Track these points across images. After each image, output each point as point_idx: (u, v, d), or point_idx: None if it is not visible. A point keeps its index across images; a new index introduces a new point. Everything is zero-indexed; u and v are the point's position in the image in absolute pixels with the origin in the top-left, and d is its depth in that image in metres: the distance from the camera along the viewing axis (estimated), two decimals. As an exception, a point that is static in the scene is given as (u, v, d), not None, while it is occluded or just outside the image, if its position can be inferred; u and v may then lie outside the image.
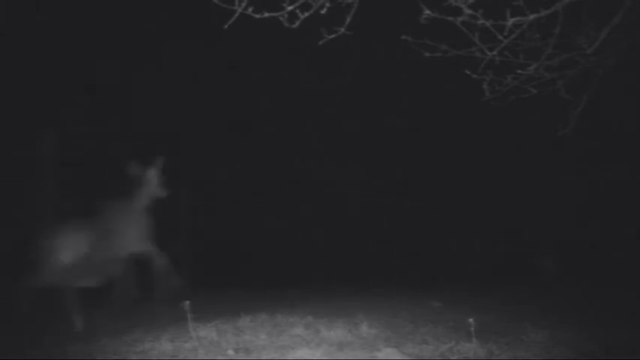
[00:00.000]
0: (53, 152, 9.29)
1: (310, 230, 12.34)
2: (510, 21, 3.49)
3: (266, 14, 3.32)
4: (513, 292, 7.73)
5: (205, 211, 11.04)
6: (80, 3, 8.28)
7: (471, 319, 4.08)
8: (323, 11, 3.40)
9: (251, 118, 11.38)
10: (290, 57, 10.36)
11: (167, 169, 5.81)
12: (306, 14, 3.35)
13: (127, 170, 5.48)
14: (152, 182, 5.50)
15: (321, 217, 12.70)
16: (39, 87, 8.82)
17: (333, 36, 3.47)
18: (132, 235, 5.36)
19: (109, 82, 9.49)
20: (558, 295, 7.45)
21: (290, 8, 3.31)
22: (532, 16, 3.52)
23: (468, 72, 4.01)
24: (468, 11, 3.42)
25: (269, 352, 4.08)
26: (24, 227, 9.32)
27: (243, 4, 3.24)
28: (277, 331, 4.75)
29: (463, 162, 11.96)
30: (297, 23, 3.36)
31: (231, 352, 4.07)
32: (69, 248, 5.36)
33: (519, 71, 4.07)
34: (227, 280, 7.98)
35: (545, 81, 4.30)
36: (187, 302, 4.60)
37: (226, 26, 3.26)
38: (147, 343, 4.35)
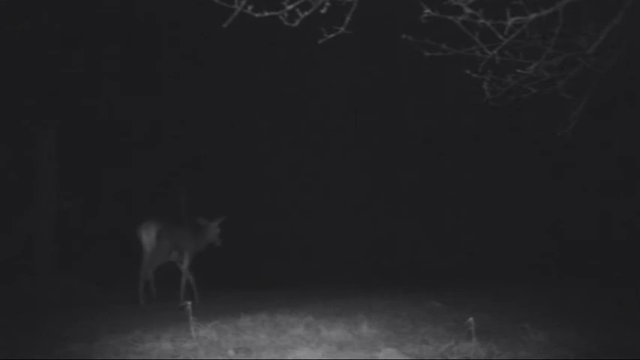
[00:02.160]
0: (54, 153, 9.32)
1: (310, 231, 12.34)
2: (510, 20, 3.48)
3: (266, 13, 3.31)
4: (513, 292, 7.71)
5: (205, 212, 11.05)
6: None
7: (470, 319, 4.07)
8: (323, 10, 3.39)
9: (251, 115, 11.40)
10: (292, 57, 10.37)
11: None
12: (306, 13, 3.34)
13: None
14: None
15: (321, 218, 12.69)
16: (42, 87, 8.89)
17: (332, 35, 3.46)
18: None
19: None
20: (558, 295, 7.44)
21: (290, 7, 3.30)
22: (532, 16, 3.51)
23: (468, 71, 4.00)
24: (469, 10, 3.40)
25: (269, 352, 4.07)
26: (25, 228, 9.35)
27: (243, 3, 3.23)
28: (277, 331, 4.74)
29: (463, 162, 11.96)
30: (297, 22, 3.35)
31: (231, 352, 4.07)
32: None
33: (519, 71, 4.06)
34: (227, 281, 7.99)
35: (545, 81, 4.29)
36: (188, 302, 4.59)
37: (225, 25, 3.25)
38: (147, 343, 4.34)
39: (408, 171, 12.25)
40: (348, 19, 3.44)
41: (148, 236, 6.94)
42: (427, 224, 12.49)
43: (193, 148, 11.10)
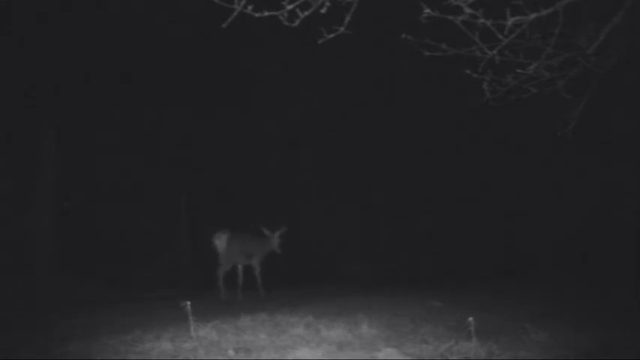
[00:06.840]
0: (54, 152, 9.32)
1: (311, 232, 12.34)
2: (510, 20, 3.48)
3: (266, 13, 3.30)
4: (513, 292, 7.71)
5: (204, 211, 11.07)
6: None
7: (470, 319, 4.07)
8: (323, 10, 3.38)
9: (253, 120, 11.41)
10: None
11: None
12: (306, 13, 3.33)
13: None
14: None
15: (320, 219, 12.69)
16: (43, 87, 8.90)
17: (332, 35, 3.46)
18: None
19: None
20: (558, 295, 7.45)
21: (290, 7, 3.29)
22: (532, 16, 3.51)
23: (468, 71, 3.99)
24: (469, 10, 3.40)
25: (269, 352, 4.07)
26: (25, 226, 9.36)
27: (243, 3, 3.22)
28: (277, 330, 4.74)
29: (463, 162, 11.96)
30: (297, 22, 3.34)
31: (231, 352, 4.06)
32: None
33: (519, 71, 4.05)
34: (228, 281, 8.01)
35: (545, 81, 4.28)
36: (188, 302, 4.59)
37: (225, 25, 3.25)
38: (147, 343, 4.34)
39: (407, 171, 12.24)
40: (348, 19, 3.44)
41: (220, 243, 8.06)
42: (426, 224, 12.49)
43: (193, 149, 11.11)
